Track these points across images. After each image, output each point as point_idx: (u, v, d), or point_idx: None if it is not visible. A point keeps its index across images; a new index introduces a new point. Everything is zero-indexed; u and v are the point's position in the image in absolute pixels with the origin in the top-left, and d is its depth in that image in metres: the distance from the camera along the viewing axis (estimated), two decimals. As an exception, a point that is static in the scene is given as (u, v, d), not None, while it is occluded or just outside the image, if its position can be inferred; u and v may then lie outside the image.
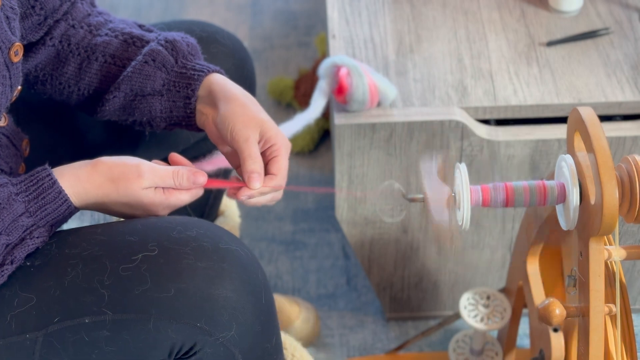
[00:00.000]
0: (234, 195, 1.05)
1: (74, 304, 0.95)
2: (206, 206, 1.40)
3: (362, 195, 1.44)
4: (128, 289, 0.94)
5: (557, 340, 1.23)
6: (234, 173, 1.11)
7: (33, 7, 1.08)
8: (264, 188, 1.04)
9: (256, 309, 0.98)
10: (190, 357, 0.96)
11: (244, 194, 1.04)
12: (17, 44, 1.03)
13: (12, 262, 0.96)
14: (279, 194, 1.09)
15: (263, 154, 1.06)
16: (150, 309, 0.93)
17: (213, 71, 1.11)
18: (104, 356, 0.96)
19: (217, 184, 1.07)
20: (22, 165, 1.12)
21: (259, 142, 1.06)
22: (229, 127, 1.05)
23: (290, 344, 1.39)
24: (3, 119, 1.09)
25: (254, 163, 1.03)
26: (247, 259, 1.00)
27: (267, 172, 1.05)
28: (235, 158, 1.09)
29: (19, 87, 1.07)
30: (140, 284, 0.94)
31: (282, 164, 1.06)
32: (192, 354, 0.96)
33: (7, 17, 1.01)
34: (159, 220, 1.00)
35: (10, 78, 1.03)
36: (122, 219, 1.05)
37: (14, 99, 1.07)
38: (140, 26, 1.17)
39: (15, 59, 1.03)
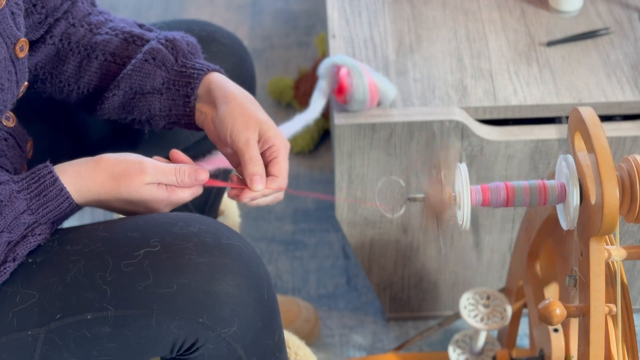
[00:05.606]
0: (236, 197, 1.05)
1: (76, 300, 0.95)
2: (206, 205, 1.40)
3: (361, 201, 1.43)
4: (130, 284, 0.94)
5: (557, 340, 1.23)
6: (234, 172, 1.11)
7: (34, 5, 1.08)
8: (266, 190, 1.04)
9: (258, 304, 0.98)
10: (192, 353, 0.96)
11: (246, 196, 1.04)
12: (22, 39, 1.03)
13: (14, 260, 0.96)
14: (280, 195, 1.09)
15: (263, 154, 1.06)
16: (153, 304, 0.93)
17: (213, 70, 1.11)
18: (105, 352, 0.96)
19: (219, 184, 1.07)
20: (25, 166, 1.12)
21: (257, 142, 1.05)
22: (227, 128, 1.05)
23: (293, 342, 1.39)
24: (11, 119, 1.09)
25: (255, 166, 1.03)
26: (249, 255, 1.00)
27: (268, 174, 1.05)
28: (235, 157, 1.09)
29: (25, 83, 1.08)
30: (143, 279, 0.94)
31: (282, 165, 1.06)
32: (194, 349, 0.96)
33: (13, 13, 1.01)
34: (161, 217, 1.00)
35: (16, 73, 1.03)
36: (123, 216, 1.05)
37: (20, 95, 1.08)
38: (140, 25, 1.17)
39: (21, 55, 1.03)
